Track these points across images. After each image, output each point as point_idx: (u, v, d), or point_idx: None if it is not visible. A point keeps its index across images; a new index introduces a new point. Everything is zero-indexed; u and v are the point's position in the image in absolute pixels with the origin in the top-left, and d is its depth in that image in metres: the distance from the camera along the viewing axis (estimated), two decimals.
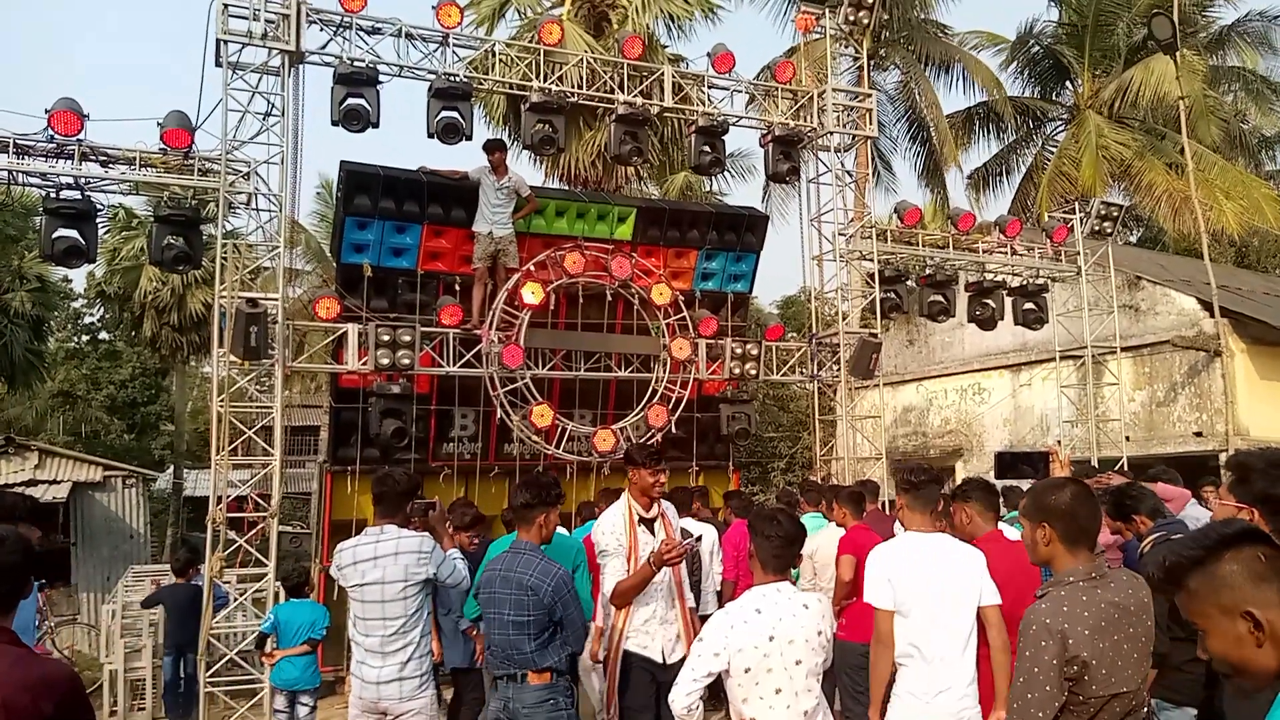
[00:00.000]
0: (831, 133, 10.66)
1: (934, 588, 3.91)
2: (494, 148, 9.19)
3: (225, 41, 8.12)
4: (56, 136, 7.55)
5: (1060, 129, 22.81)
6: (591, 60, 9.98)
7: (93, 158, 7.85)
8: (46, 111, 7.50)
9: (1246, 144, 22.97)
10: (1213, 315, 12.32)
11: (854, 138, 11.30)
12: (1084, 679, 2.55)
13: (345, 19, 8.57)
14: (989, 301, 11.41)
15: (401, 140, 13.50)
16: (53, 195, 7.69)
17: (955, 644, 3.88)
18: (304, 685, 6.69)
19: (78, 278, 28.92)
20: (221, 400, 8.12)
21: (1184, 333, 12.67)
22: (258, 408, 8.54)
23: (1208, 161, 18.92)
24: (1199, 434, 12.60)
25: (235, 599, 8.32)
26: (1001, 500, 5.11)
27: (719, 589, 6.95)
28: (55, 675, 2.47)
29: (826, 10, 11.43)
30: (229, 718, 7.86)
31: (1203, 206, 15.59)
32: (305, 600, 7.04)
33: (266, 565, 8.03)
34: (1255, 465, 2.60)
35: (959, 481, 4.84)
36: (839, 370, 10.72)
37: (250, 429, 8.38)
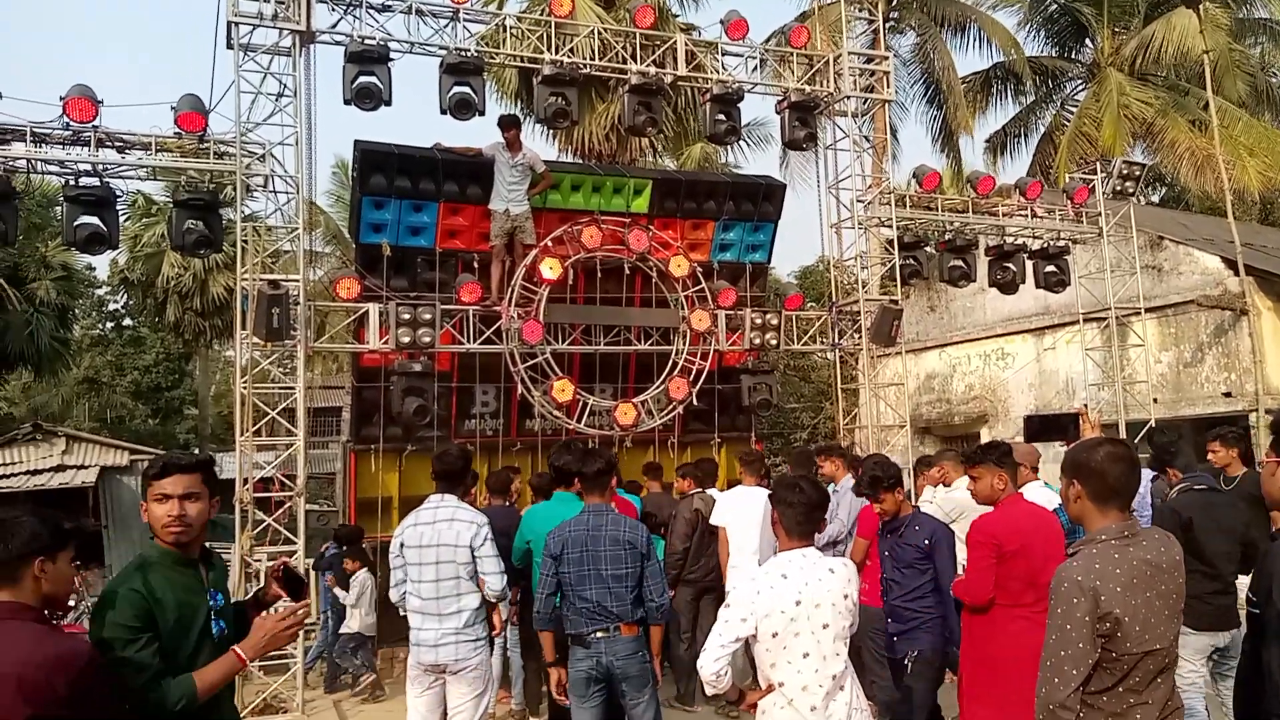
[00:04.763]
0: (848, 97, 10.54)
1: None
2: (509, 125, 9.14)
3: (236, 23, 8.11)
4: (72, 123, 7.57)
5: (1080, 88, 22.46)
6: (603, 31, 9.89)
7: (109, 144, 7.88)
8: (61, 99, 7.52)
9: (1273, 98, 22.51)
10: (1237, 274, 12.16)
11: (871, 102, 11.16)
12: (1117, 636, 2.53)
13: None
14: (1010, 265, 11.29)
15: (415, 118, 13.45)
16: (72, 183, 7.74)
17: None
18: None
19: (101, 265, 29.21)
20: (245, 382, 8.18)
21: (1209, 292, 12.52)
22: (280, 389, 8.60)
23: (1232, 117, 18.58)
24: (1228, 394, 12.47)
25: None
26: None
27: None
28: (72, 653, 2.46)
29: None
30: (263, 692, 7.98)
31: (1226, 164, 15.33)
32: None
33: (296, 543, 8.12)
34: None
35: (980, 445, 4.86)
36: (860, 338, 10.65)
37: (274, 410, 8.43)
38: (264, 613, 3.01)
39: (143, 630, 2.68)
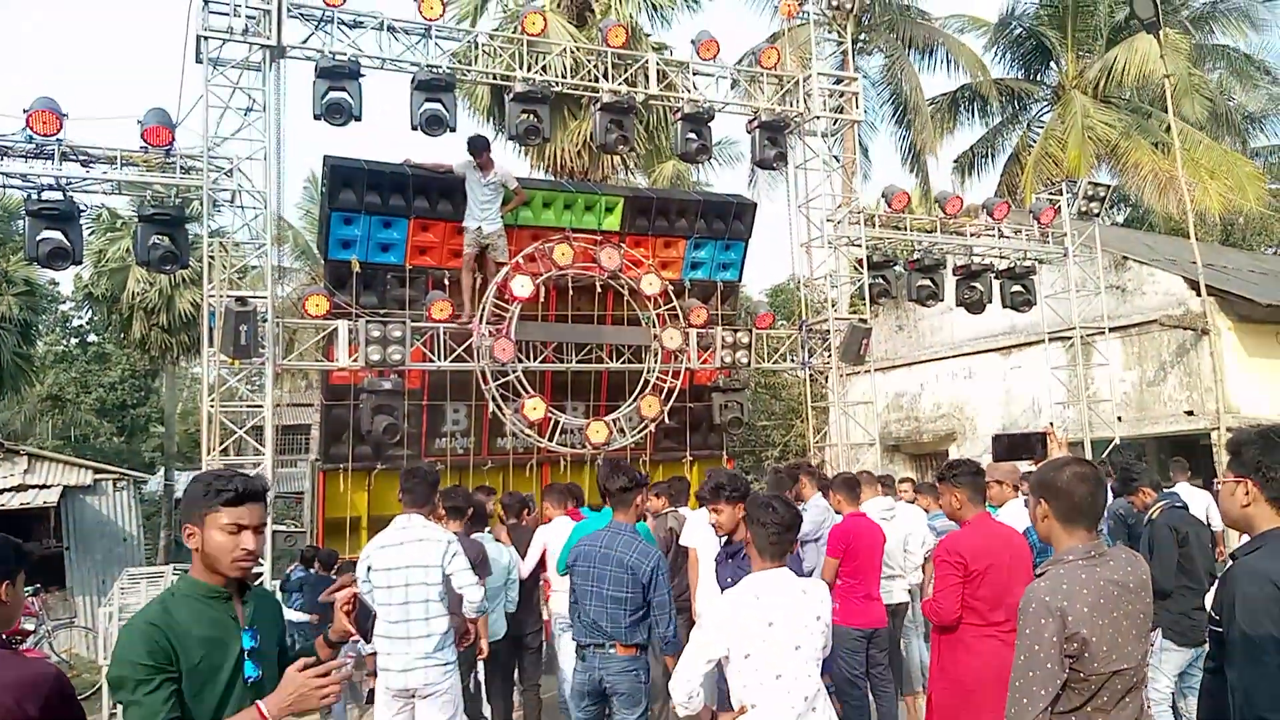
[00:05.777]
0: (818, 117, 10.64)
1: None
2: (479, 149, 9.07)
3: (205, 38, 8.05)
4: (35, 136, 7.47)
5: (1045, 110, 22.83)
6: (575, 50, 9.93)
7: (73, 157, 7.78)
8: (25, 111, 7.41)
9: (1231, 121, 23.03)
10: (1199, 294, 12.36)
11: (840, 122, 11.27)
12: (1084, 656, 2.55)
13: (326, 13, 8.50)
14: (977, 285, 11.42)
15: (385, 134, 13.42)
16: (34, 197, 7.61)
17: None
18: None
19: (65, 280, 28.81)
20: (212, 400, 8.07)
21: (1171, 312, 12.71)
22: (248, 407, 8.49)
23: (1193, 140, 18.96)
24: (1190, 413, 12.66)
25: None
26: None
27: None
28: (40, 676, 2.41)
29: None
30: None
31: (1188, 186, 15.62)
32: None
33: (261, 564, 7.99)
34: (1245, 439, 2.74)
35: (947, 463, 4.86)
36: (830, 357, 10.72)
37: (241, 428, 8.32)
38: (298, 662, 2.46)
39: (156, 670, 2.34)
